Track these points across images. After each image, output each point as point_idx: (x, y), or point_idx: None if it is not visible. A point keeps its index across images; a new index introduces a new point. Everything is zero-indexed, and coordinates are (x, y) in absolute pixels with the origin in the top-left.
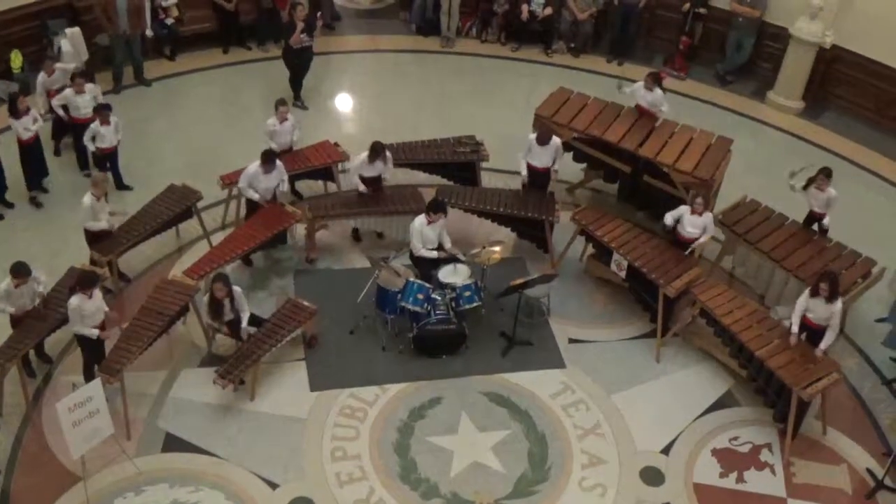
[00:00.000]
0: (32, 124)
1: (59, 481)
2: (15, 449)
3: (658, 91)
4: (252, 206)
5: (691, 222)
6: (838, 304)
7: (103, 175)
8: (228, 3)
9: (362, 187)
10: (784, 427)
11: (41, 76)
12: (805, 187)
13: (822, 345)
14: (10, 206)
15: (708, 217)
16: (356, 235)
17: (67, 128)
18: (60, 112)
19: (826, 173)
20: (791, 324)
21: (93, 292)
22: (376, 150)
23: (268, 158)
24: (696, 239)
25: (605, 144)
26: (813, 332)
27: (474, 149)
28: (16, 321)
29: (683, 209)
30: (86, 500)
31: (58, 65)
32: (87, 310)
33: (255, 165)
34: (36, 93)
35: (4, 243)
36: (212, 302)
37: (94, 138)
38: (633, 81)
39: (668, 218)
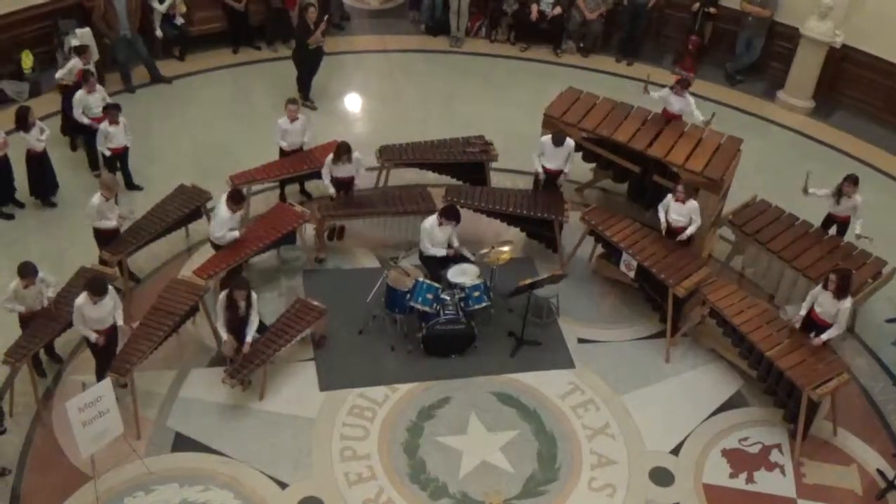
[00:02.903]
0: (41, 135)
1: (69, 480)
2: (25, 448)
3: (688, 97)
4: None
5: (676, 210)
6: (846, 303)
7: (113, 176)
8: (238, 3)
9: (332, 190)
10: (794, 427)
11: (75, 60)
12: (836, 196)
13: (824, 336)
14: (21, 205)
15: (692, 205)
16: (339, 234)
17: (79, 127)
18: (85, 121)
19: (852, 179)
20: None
21: (99, 301)
22: (341, 151)
23: (238, 198)
24: (683, 228)
25: (615, 144)
26: (820, 329)
27: (483, 149)
28: (25, 321)
29: (669, 198)
30: (96, 499)
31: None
32: (89, 314)
33: (225, 211)
34: (66, 68)
35: (15, 243)
36: (230, 306)
37: (105, 138)
38: (661, 86)
39: (661, 212)
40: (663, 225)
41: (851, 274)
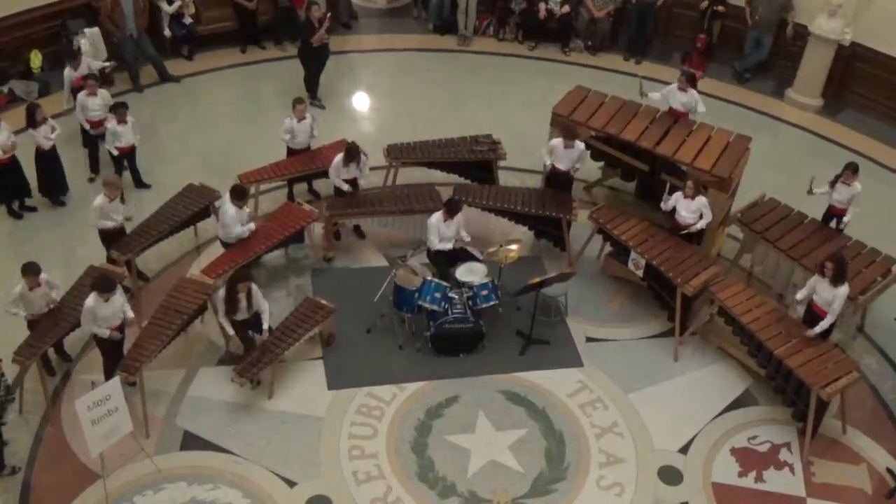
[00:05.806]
0: (51, 133)
1: (78, 479)
2: (35, 446)
3: (693, 92)
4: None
5: (685, 206)
6: (842, 290)
7: (117, 177)
8: (249, 2)
9: (346, 187)
10: (803, 426)
11: (67, 70)
12: (832, 184)
13: (817, 328)
14: (32, 209)
15: (701, 200)
16: (358, 233)
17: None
18: (86, 125)
19: (852, 168)
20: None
21: (110, 297)
22: (351, 153)
23: (241, 193)
24: (692, 224)
25: (623, 143)
26: (819, 318)
27: (491, 147)
28: (32, 325)
29: (678, 195)
30: (105, 497)
31: (88, 60)
32: (102, 313)
33: (231, 208)
34: (64, 88)
35: (24, 242)
36: (230, 297)
37: (113, 137)
38: (652, 80)
39: (667, 203)
40: (667, 208)
41: (846, 260)
